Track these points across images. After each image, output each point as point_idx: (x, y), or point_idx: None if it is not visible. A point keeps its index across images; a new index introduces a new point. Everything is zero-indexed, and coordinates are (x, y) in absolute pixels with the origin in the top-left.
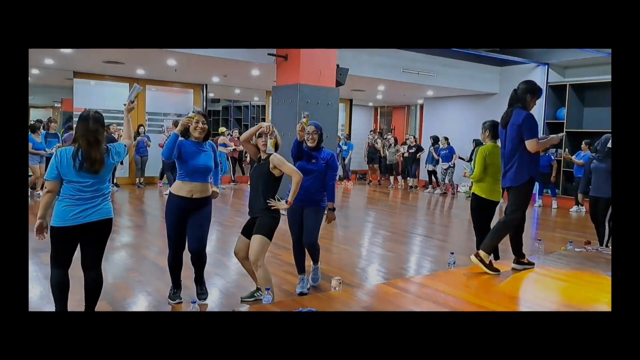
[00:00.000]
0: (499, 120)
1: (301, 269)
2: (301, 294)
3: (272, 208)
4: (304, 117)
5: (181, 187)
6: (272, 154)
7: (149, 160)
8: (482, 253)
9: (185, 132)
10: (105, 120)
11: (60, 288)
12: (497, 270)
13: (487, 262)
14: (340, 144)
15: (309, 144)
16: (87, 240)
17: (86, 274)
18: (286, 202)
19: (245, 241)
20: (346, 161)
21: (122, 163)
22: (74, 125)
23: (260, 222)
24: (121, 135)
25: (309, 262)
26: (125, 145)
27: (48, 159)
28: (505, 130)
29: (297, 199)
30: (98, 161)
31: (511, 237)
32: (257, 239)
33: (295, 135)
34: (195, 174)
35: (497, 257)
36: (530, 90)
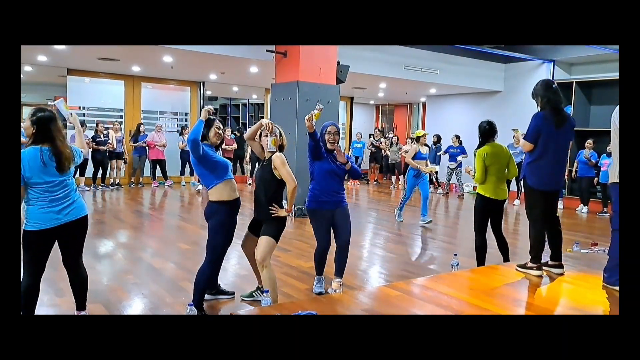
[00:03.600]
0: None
1: (321, 270)
2: (320, 293)
3: (273, 216)
4: (318, 109)
5: (231, 190)
6: (274, 152)
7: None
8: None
9: (204, 137)
10: (99, 119)
11: (30, 295)
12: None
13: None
14: (353, 142)
15: (329, 146)
16: (66, 240)
17: (70, 272)
18: (286, 209)
19: (250, 237)
20: (360, 160)
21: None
22: (66, 124)
23: (268, 225)
24: (106, 135)
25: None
26: (81, 152)
27: None
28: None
29: (327, 202)
30: (70, 158)
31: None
32: (264, 239)
33: (295, 134)
34: (229, 171)
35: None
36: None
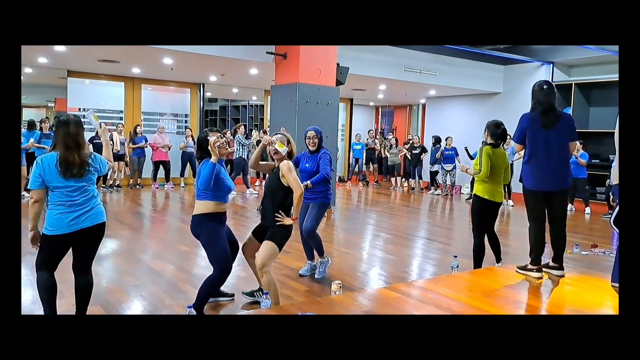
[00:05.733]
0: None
1: (310, 255)
2: (301, 275)
3: (278, 224)
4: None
5: (218, 205)
6: (283, 156)
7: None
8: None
9: (207, 151)
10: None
11: (49, 290)
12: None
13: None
14: (352, 144)
15: (310, 148)
16: (80, 245)
17: (77, 278)
18: (292, 217)
19: (253, 241)
20: (360, 162)
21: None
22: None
23: (273, 232)
24: (109, 137)
25: None
26: (107, 163)
27: (29, 161)
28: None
29: (304, 197)
30: (77, 164)
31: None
32: (267, 244)
33: (295, 136)
34: (228, 194)
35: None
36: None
